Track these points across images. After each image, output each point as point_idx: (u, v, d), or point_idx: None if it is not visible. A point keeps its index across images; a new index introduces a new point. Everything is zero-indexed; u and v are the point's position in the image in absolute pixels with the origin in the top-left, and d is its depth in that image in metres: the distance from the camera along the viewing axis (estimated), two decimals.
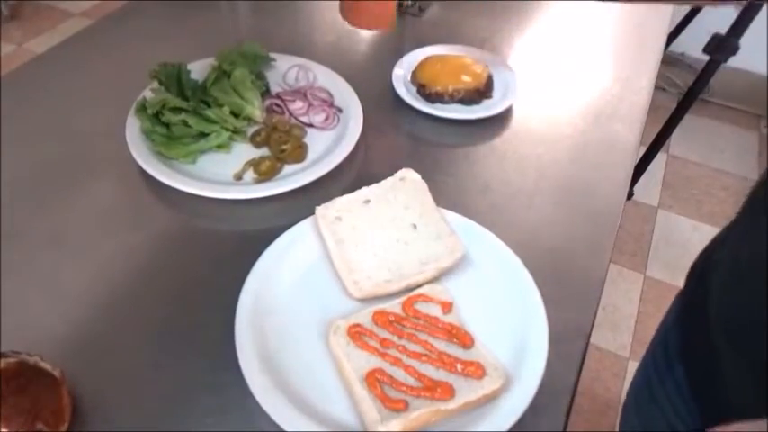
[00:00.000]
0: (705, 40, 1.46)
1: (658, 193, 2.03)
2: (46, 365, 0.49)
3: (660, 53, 0.98)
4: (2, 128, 0.75)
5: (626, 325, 1.65)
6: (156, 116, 0.71)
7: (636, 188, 1.74)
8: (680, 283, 0.68)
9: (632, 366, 1.53)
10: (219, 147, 0.72)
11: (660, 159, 2.08)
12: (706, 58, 1.50)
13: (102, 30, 0.95)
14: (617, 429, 0.81)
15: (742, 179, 2.08)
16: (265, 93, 0.79)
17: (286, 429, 0.47)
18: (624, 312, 1.67)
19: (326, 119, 0.76)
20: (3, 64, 2.22)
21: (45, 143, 0.74)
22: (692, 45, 2.01)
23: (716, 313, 0.55)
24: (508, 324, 0.56)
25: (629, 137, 0.80)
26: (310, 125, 0.76)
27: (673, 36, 1.78)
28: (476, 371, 0.50)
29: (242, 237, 0.66)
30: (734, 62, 1.50)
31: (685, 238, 1.84)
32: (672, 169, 2.12)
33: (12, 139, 0.74)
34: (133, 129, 0.72)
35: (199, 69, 0.77)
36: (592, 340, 0.59)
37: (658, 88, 0.87)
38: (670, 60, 2.32)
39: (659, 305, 1.65)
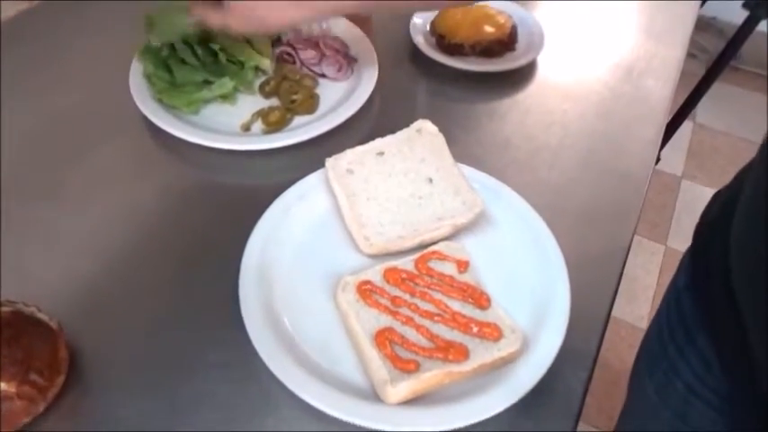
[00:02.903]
0: (737, 3, 1.38)
1: (683, 163, 1.96)
2: (43, 316, 0.47)
3: (696, 7, 0.92)
4: (1, 77, 0.72)
5: (644, 296, 1.61)
6: (163, 61, 0.67)
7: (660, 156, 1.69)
8: None
9: None
10: (223, 98, 0.68)
11: (686, 128, 2.01)
12: (738, 22, 1.42)
13: None
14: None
15: None
16: (276, 41, 0.75)
17: (291, 388, 0.45)
18: (643, 283, 1.64)
19: (339, 69, 0.72)
20: None
21: (46, 92, 0.71)
22: (724, 9, 1.93)
23: (737, 254, 0.50)
24: (527, 285, 0.53)
25: (662, 93, 0.75)
26: (323, 75, 0.72)
27: None
28: (492, 333, 0.47)
29: (249, 190, 0.63)
30: (764, 26, 1.41)
31: None
32: (698, 138, 2.05)
33: (11, 88, 0.71)
34: (137, 76, 0.69)
35: None
36: None
37: (687, 54, 0.81)
38: (700, 24, 2.22)
39: None
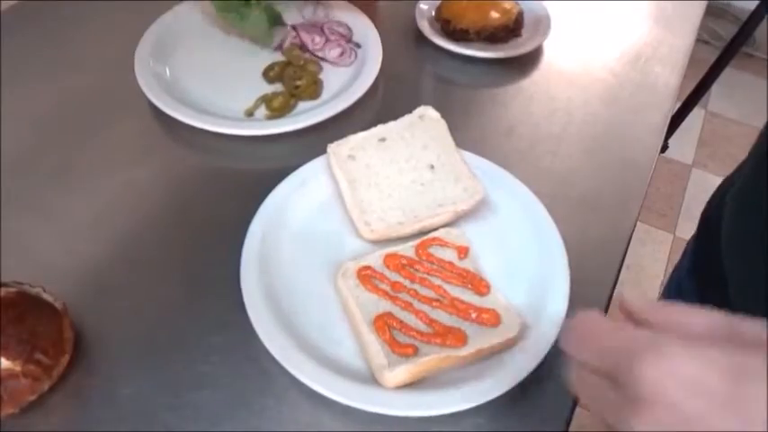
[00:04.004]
0: None
1: (693, 151, 1.94)
2: (48, 297, 0.48)
3: None
4: (8, 58, 0.72)
5: (651, 286, 1.61)
6: None
7: (670, 145, 1.67)
8: None
9: None
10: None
11: (697, 116, 1.98)
12: (752, 7, 1.40)
13: None
14: None
15: None
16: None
17: (291, 371, 0.46)
18: (650, 273, 1.63)
19: (342, 54, 0.72)
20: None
21: (51, 75, 0.72)
22: None
23: (728, 237, 0.50)
24: (527, 272, 0.53)
25: (669, 80, 0.74)
26: (323, 59, 0.72)
27: None
28: (490, 318, 0.48)
29: (252, 175, 0.63)
30: None
31: None
32: (709, 127, 2.03)
33: (18, 71, 0.71)
34: (143, 60, 0.69)
35: None
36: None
37: (700, 41, 0.79)
38: (714, 10, 2.19)
39: None
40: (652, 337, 0.28)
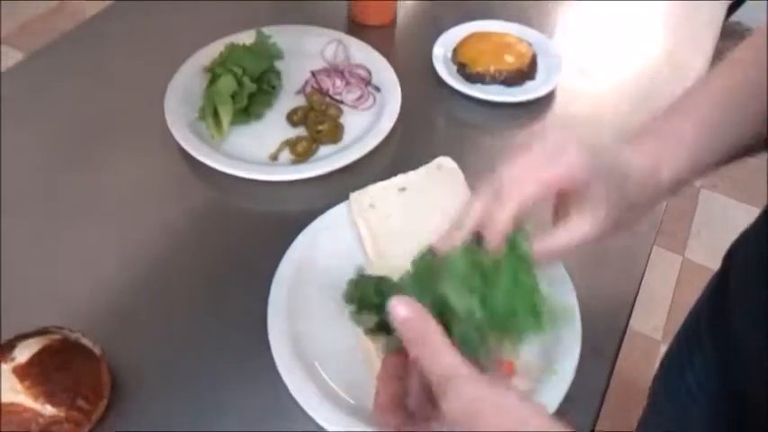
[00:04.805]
0: (761, 4, 1.37)
1: None
2: (87, 342, 0.51)
3: (718, 31, 0.93)
4: (42, 91, 0.76)
5: (660, 307, 1.62)
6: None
7: None
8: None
9: (664, 350, 1.50)
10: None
11: None
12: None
13: None
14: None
15: None
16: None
17: (315, 418, 0.48)
18: (659, 294, 1.64)
19: (360, 97, 0.75)
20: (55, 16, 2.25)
21: (82, 112, 0.75)
22: (749, 14, 1.90)
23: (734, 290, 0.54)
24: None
25: None
26: (342, 102, 0.75)
27: (732, 8, 1.67)
28: (506, 369, 0.50)
29: (276, 218, 0.66)
30: None
31: (729, 220, 1.77)
32: None
33: (50, 105, 0.75)
34: (172, 105, 0.72)
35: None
36: None
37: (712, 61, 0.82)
38: (724, 30, 2.20)
39: (696, 289, 1.60)
40: None
